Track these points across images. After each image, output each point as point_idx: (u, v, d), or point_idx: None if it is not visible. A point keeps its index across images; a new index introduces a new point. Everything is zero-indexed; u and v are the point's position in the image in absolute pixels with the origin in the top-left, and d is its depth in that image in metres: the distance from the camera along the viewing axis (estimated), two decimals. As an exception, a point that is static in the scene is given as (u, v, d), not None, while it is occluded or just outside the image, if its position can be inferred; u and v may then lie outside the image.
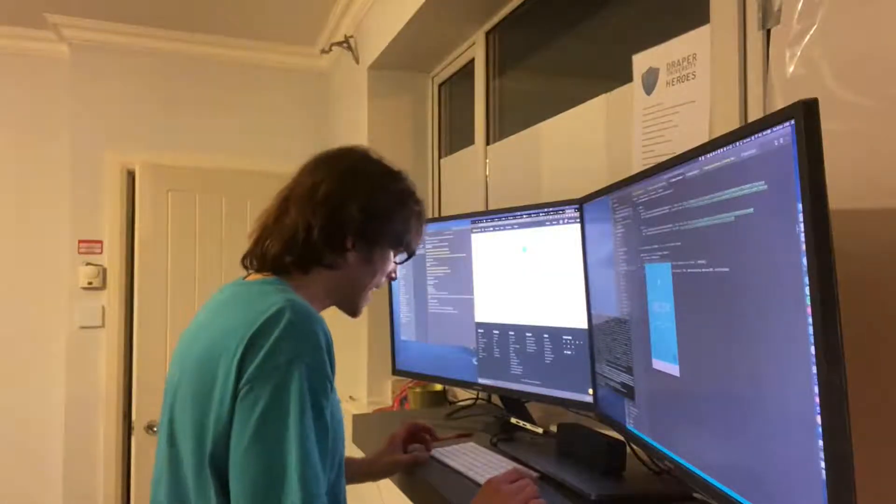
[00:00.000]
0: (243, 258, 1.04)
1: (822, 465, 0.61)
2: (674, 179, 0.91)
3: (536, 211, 1.51)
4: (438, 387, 2.29)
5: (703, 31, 1.24)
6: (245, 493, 0.78)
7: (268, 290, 0.93)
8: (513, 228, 1.58)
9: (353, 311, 1.11)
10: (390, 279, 1.14)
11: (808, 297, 0.61)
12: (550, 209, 1.48)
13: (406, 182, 1.10)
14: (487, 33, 2.37)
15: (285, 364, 0.81)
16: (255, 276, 1.01)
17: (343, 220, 0.99)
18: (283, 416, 0.80)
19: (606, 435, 1.25)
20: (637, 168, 1.37)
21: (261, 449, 0.79)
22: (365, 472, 1.35)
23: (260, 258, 1.01)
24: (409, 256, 1.12)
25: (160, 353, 3.02)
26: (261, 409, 0.80)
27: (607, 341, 1.25)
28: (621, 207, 1.12)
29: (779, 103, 0.98)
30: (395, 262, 1.11)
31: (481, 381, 1.68)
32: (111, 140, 3.20)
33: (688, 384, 0.90)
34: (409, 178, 1.11)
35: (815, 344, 0.61)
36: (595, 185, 1.29)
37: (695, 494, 1.06)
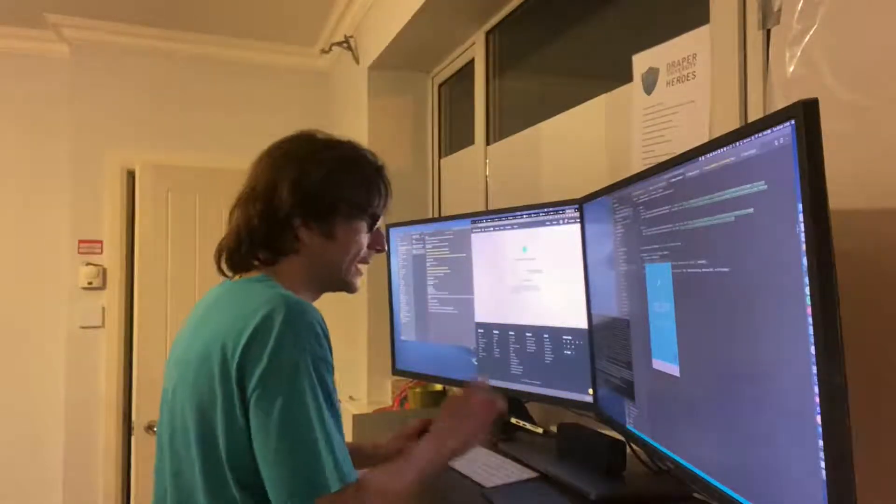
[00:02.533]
0: (218, 269, 1.04)
1: (822, 464, 0.61)
2: (674, 179, 0.91)
3: (536, 211, 1.51)
4: (438, 387, 2.28)
5: (703, 31, 1.24)
6: (287, 487, 0.81)
7: (255, 287, 0.93)
8: (513, 228, 1.58)
9: (346, 288, 1.08)
10: (376, 251, 1.10)
11: (808, 297, 0.61)
12: (550, 209, 1.47)
13: (346, 148, 1.06)
14: (487, 33, 2.36)
15: (292, 360, 0.83)
16: (241, 276, 1.01)
17: (278, 204, 0.98)
18: (304, 409, 0.82)
19: (606, 435, 1.25)
20: (637, 168, 1.37)
21: (290, 444, 0.81)
22: (368, 454, 1.32)
23: (228, 262, 1.02)
24: (374, 222, 1.07)
25: (160, 353, 3.02)
26: (279, 407, 0.81)
27: (607, 341, 1.25)
28: (621, 207, 1.12)
29: (779, 103, 0.98)
30: (369, 231, 1.07)
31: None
32: (111, 140, 3.20)
33: (688, 384, 0.90)
34: (354, 144, 1.08)
35: (815, 344, 0.61)
36: (595, 185, 1.29)
37: (695, 494, 1.06)
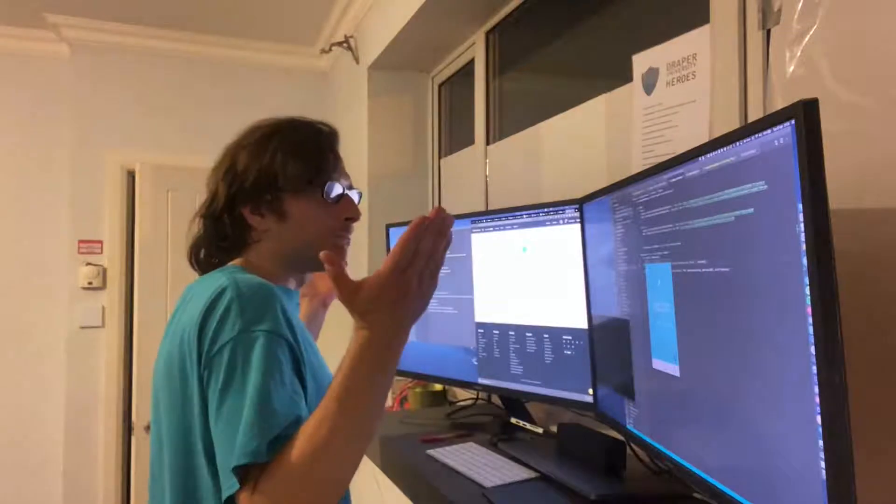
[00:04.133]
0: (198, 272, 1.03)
1: (822, 465, 0.61)
2: (674, 179, 0.91)
3: (536, 211, 1.51)
4: (438, 387, 2.28)
5: (703, 31, 1.24)
6: (220, 459, 0.75)
7: (215, 275, 0.91)
8: (513, 228, 1.58)
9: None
10: (350, 221, 1.00)
11: (808, 297, 0.61)
12: (550, 209, 1.48)
13: (274, 125, 1.00)
14: (487, 33, 2.37)
15: (233, 337, 0.79)
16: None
17: (217, 201, 0.97)
18: (243, 384, 0.76)
19: (606, 435, 1.25)
20: (637, 168, 1.37)
21: (224, 418, 0.76)
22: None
23: (197, 266, 1.02)
24: (329, 190, 0.97)
25: (160, 353, 3.02)
26: (220, 385, 0.77)
27: (607, 341, 1.25)
28: (621, 207, 1.12)
29: (779, 103, 0.98)
30: (330, 200, 0.97)
31: (481, 381, 1.68)
32: (111, 140, 3.20)
33: (688, 384, 0.90)
34: (290, 118, 1.02)
35: (815, 344, 0.61)
36: (595, 185, 1.29)
37: (695, 494, 1.06)
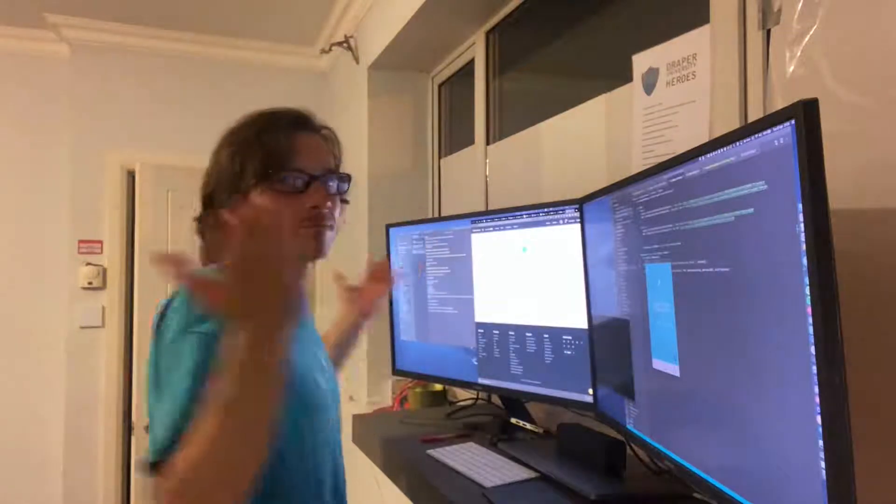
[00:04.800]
0: None
1: (822, 465, 0.61)
2: (674, 179, 0.91)
3: (536, 211, 1.51)
4: (438, 387, 2.28)
5: (703, 31, 1.24)
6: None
7: None
8: (513, 228, 1.58)
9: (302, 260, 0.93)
10: (314, 209, 0.91)
11: (808, 297, 0.61)
12: (550, 209, 1.48)
13: (235, 122, 0.99)
14: (487, 33, 2.36)
15: (171, 339, 0.80)
16: None
17: (199, 218, 0.98)
18: (168, 384, 0.77)
19: (606, 435, 1.25)
20: (637, 168, 1.36)
21: (152, 418, 0.78)
22: (333, 344, 1.27)
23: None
24: (282, 183, 0.90)
25: (160, 353, 3.02)
26: (153, 384, 0.79)
27: (607, 341, 1.25)
28: (621, 207, 1.12)
29: (779, 103, 0.98)
30: (293, 190, 0.91)
31: (481, 381, 1.68)
32: (111, 140, 3.20)
33: (688, 384, 0.90)
34: (251, 112, 1.01)
35: (815, 344, 0.61)
36: (595, 185, 1.29)
37: (695, 494, 1.06)
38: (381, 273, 1.40)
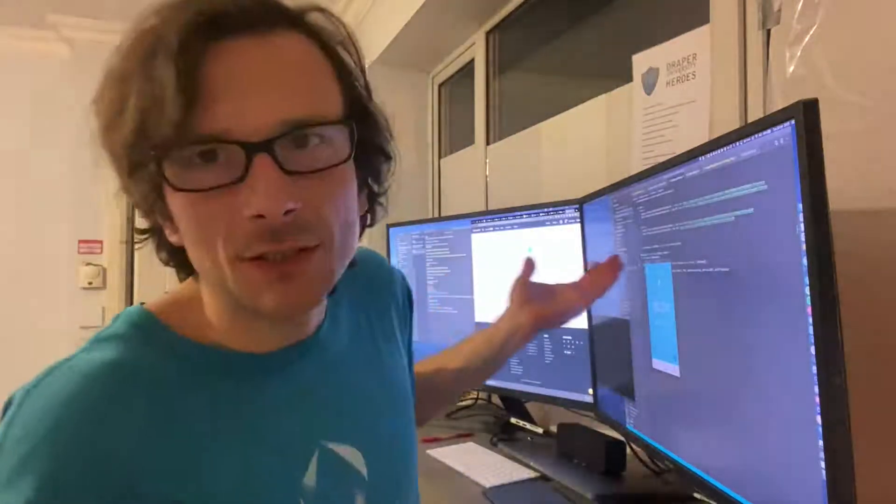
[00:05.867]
0: None
1: (822, 464, 0.61)
2: (674, 179, 0.91)
3: (536, 211, 1.51)
4: (438, 387, 2.28)
5: (703, 31, 1.24)
6: None
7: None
8: (513, 228, 1.58)
9: (256, 312, 0.52)
10: (258, 219, 0.46)
11: (808, 297, 0.61)
12: (550, 209, 1.48)
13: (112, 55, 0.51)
14: (487, 33, 2.36)
15: None
16: None
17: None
18: None
19: (606, 435, 1.25)
20: (637, 168, 1.36)
21: None
22: (478, 360, 0.96)
23: None
24: (168, 140, 0.45)
25: (160, 353, 3.02)
26: None
27: (607, 341, 1.25)
28: (621, 207, 1.12)
29: (779, 103, 0.98)
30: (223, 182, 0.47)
31: (481, 381, 1.68)
32: (111, 140, 3.19)
33: (688, 384, 0.90)
34: None
35: (815, 344, 0.61)
36: (595, 185, 1.29)
37: (695, 494, 1.06)
38: (612, 263, 1.04)
